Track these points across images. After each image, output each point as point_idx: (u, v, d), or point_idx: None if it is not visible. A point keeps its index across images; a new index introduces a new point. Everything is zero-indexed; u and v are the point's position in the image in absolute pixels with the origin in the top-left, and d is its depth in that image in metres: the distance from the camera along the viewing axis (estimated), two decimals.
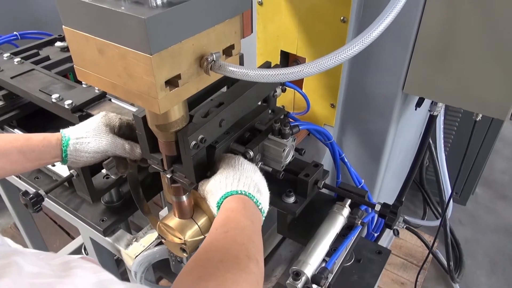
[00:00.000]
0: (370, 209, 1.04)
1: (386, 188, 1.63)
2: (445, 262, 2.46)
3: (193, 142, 0.82)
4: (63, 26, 0.71)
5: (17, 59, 1.40)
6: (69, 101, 1.16)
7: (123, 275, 1.72)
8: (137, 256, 1.21)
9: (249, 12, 0.80)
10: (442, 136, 1.94)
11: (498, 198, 3.06)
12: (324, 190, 1.05)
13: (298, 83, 1.31)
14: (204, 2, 0.67)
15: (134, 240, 1.26)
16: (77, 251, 2.25)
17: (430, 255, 2.47)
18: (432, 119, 1.27)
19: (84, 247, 2.04)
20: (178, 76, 0.68)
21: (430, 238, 2.60)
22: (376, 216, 1.31)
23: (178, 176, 0.91)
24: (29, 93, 1.23)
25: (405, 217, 2.60)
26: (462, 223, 2.86)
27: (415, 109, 1.26)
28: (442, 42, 1.06)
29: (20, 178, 1.43)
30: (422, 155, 1.38)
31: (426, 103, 1.26)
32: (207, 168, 0.92)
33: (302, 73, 0.66)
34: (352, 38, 1.17)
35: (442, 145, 2.00)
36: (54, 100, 1.17)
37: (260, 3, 1.29)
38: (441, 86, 1.11)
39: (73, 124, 1.24)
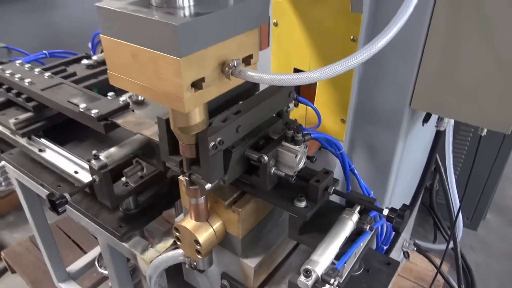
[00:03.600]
0: (378, 217, 1.08)
1: (395, 205, 1.65)
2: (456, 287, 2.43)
3: (212, 143, 0.88)
4: (101, 35, 0.79)
5: (47, 74, 1.50)
6: (95, 110, 1.24)
7: (137, 286, 1.76)
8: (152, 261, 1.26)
9: (267, 26, 0.88)
10: (451, 156, 1.97)
11: (510, 225, 3.04)
12: (334, 198, 1.09)
13: (310, 99, 1.38)
14: (228, 14, 0.75)
15: (150, 246, 1.31)
16: (90, 265, 2.29)
17: (440, 279, 2.45)
18: (438, 135, 1.32)
19: (98, 259, 2.08)
20: (202, 79, 0.75)
21: None
22: (385, 227, 1.34)
23: (196, 178, 0.97)
24: (58, 103, 1.32)
25: (416, 241, 2.60)
26: (474, 249, 2.84)
27: (423, 125, 1.32)
28: (446, 58, 1.12)
29: (43, 186, 1.50)
30: (429, 171, 1.42)
31: (434, 119, 1.32)
32: (223, 170, 0.97)
33: (311, 78, 0.73)
34: None
35: (452, 166, 2.03)
36: (81, 110, 1.25)
37: (276, 24, 1.39)
38: (447, 102, 1.17)
39: (98, 133, 1.33)
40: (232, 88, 1.07)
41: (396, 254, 2.32)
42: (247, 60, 0.84)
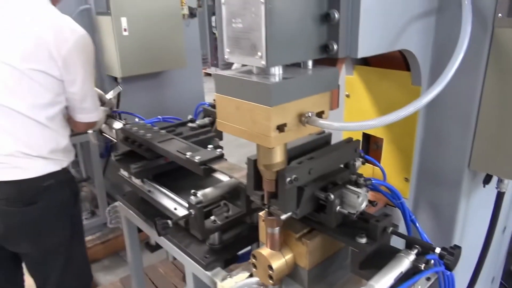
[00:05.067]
0: (438, 264, 1.18)
1: (462, 269, 1.68)
2: None
3: (288, 179, 1.12)
4: (215, 93, 1.11)
5: (162, 131, 1.91)
6: (198, 157, 1.56)
7: None
8: None
9: (337, 91, 1.14)
10: None
11: None
12: (394, 242, 1.23)
13: (377, 159, 1.57)
14: (306, 80, 1.04)
15: (228, 276, 1.51)
16: None
17: None
18: (499, 197, 1.40)
19: None
20: (285, 124, 1.02)
21: None
22: (448, 280, 1.41)
23: (273, 209, 1.20)
24: (170, 152, 1.68)
25: None
26: None
27: (484, 186, 1.42)
28: (500, 122, 1.26)
29: (147, 222, 1.82)
30: (492, 236, 1.47)
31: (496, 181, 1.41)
32: (296, 204, 1.19)
33: (368, 125, 0.96)
34: (420, 123, 1.45)
35: None
36: (187, 157, 1.59)
37: (348, 96, 1.65)
38: (503, 163, 1.29)
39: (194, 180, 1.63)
40: (308, 140, 1.34)
41: None
42: (319, 115, 1.10)
